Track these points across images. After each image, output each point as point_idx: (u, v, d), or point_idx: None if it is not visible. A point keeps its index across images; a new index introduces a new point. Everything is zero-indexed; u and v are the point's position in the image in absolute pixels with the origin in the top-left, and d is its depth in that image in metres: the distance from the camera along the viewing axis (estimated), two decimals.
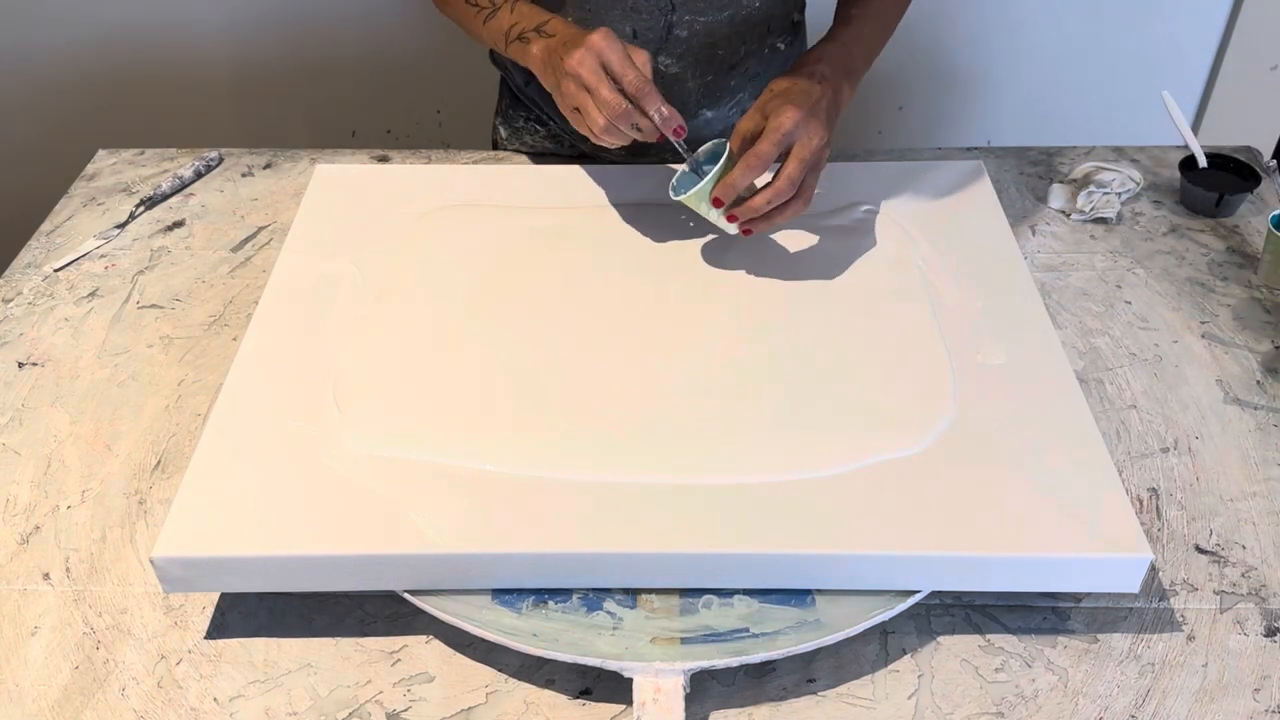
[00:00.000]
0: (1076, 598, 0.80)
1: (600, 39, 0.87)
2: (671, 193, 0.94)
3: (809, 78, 0.92)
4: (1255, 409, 0.93)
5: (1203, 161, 1.16)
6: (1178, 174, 1.16)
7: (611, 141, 0.89)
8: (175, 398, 0.95)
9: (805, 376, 0.86)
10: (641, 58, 0.89)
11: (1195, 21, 1.86)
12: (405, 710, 0.73)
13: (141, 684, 0.75)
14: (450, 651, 0.77)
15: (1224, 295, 1.05)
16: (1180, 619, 0.78)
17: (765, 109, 0.90)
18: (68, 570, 0.82)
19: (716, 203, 0.90)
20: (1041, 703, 0.73)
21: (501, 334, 0.91)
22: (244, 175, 1.22)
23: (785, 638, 0.73)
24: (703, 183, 0.90)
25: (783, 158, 0.90)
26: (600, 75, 0.87)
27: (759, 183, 0.91)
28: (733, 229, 0.92)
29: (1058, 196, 1.17)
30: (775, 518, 0.75)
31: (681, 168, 0.95)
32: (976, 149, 1.24)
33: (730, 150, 0.91)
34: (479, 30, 1.01)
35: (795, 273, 0.97)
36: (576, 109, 0.89)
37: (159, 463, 0.90)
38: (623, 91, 0.87)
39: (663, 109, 0.87)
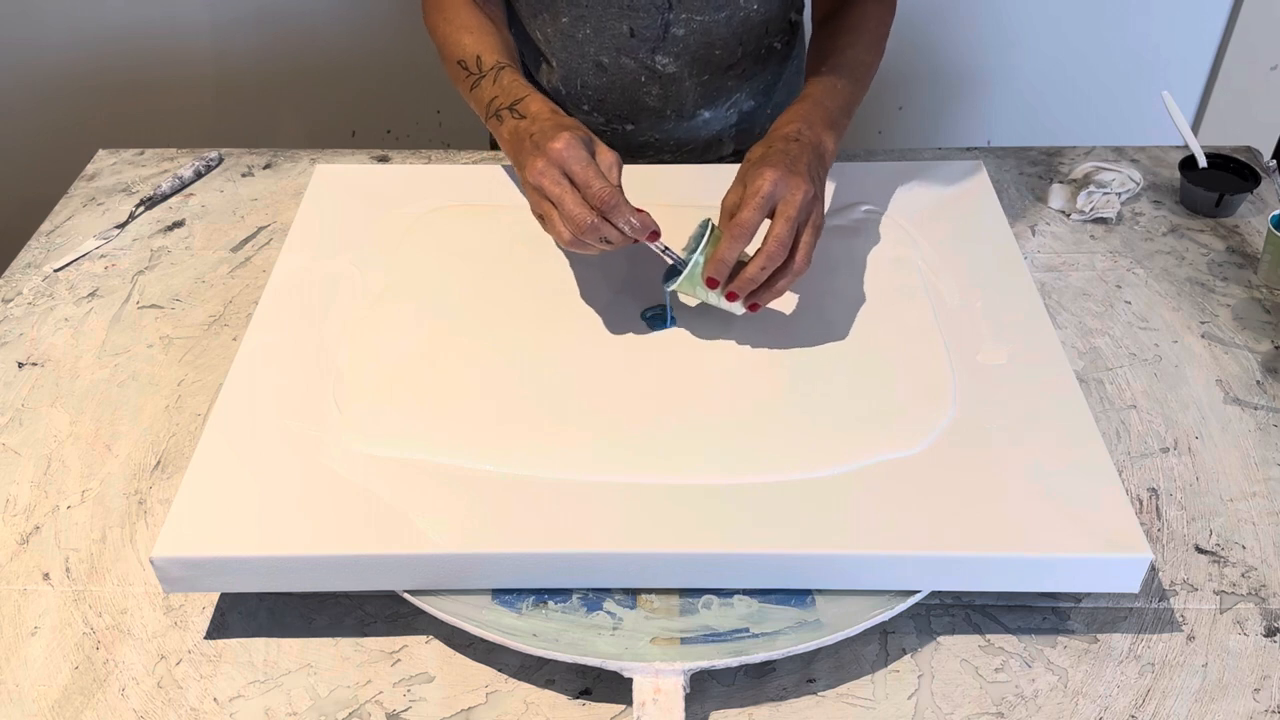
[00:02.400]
0: (1076, 598, 0.80)
1: (562, 147, 0.82)
2: (664, 285, 0.88)
3: (784, 139, 0.88)
4: (1255, 409, 0.93)
5: (1203, 161, 1.16)
6: (1178, 174, 1.16)
7: (580, 252, 0.85)
8: (175, 398, 0.95)
9: (806, 376, 0.86)
10: (608, 159, 0.84)
11: (1195, 21, 1.86)
12: (405, 710, 0.73)
13: (141, 684, 0.75)
14: (450, 652, 0.77)
15: (1224, 295, 1.05)
16: (1180, 619, 0.78)
17: (745, 178, 0.85)
18: (68, 570, 0.82)
19: (711, 283, 0.84)
20: (1041, 703, 0.73)
21: (501, 334, 0.91)
22: (244, 175, 1.22)
23: (785, 638, 0.73)
24: (690, 266, 0.84)
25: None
26: (564, 186, 0.82)
27: (752, 251, 0.85)
28: (738, 308, 0.86)
29: (1058, 196, 1.17)
30: (775, 518, 0.75)
31: (670, 261, 0.88)
32: (976, 149, 1.24)
33: (714, 227, 0.86)
34: (467, 96, 0.98)
35: None
36: (541, 217, 0.85)
37: (159, 463, 0.90)
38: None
39: (633, 219, 0.81)
